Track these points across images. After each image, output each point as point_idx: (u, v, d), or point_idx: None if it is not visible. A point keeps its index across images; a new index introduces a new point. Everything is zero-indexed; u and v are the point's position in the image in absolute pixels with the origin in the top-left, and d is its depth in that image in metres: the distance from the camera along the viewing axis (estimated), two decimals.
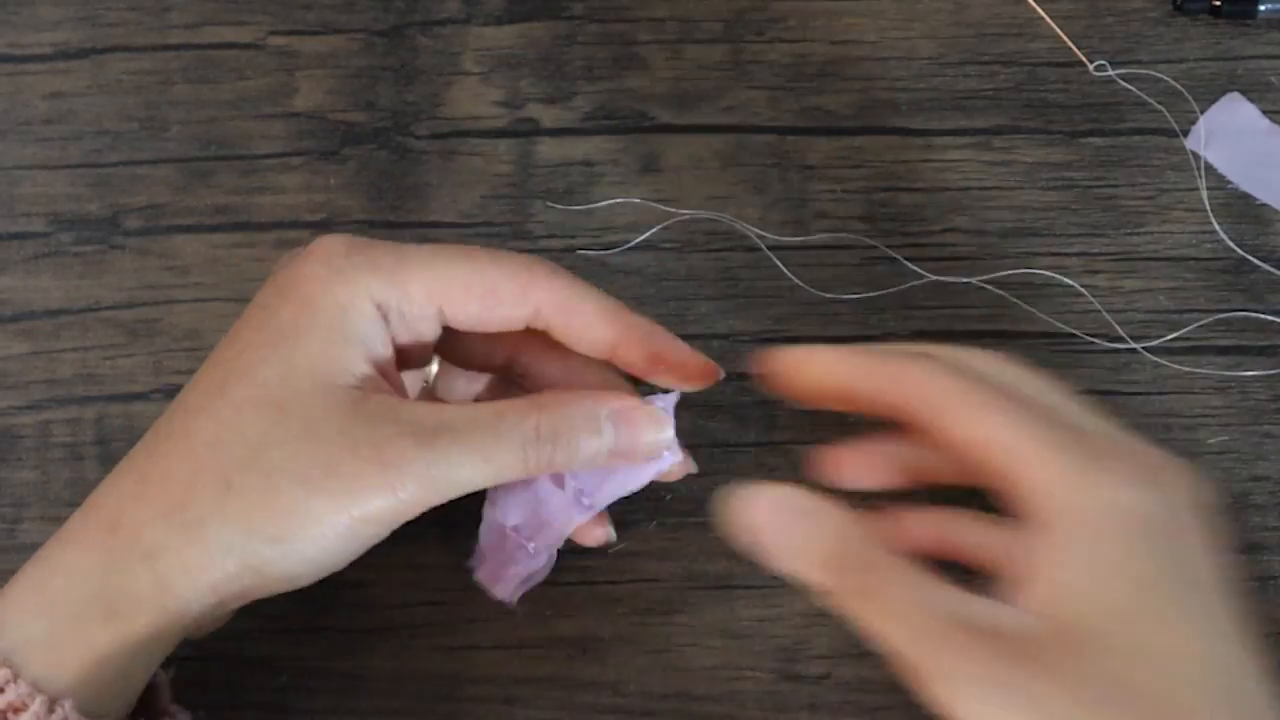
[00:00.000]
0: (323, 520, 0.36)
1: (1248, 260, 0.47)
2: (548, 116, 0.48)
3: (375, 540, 0.37)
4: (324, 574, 0.37)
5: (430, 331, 0.39)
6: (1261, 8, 0.48)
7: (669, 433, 0.39)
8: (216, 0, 0.49)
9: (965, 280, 0.47)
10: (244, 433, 0.36)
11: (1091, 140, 0.48)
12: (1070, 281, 0.47)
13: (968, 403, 0.35)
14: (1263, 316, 0.47)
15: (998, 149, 0.48)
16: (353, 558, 0.37)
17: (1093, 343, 0.47)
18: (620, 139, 0.48)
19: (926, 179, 0.48)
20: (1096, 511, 0.34)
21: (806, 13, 0.49)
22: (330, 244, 0.38)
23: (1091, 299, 0.47)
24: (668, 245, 0.48)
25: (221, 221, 0.48)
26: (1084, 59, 0.48)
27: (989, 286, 0.47)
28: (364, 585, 0.44)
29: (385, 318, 0.38)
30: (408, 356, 0.40)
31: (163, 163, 0.48)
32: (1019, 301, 0.47)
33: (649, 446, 0.39)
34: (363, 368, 0.37)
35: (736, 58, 0.49)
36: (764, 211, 0.48)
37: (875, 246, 0.47)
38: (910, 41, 0.49)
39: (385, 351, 0.38)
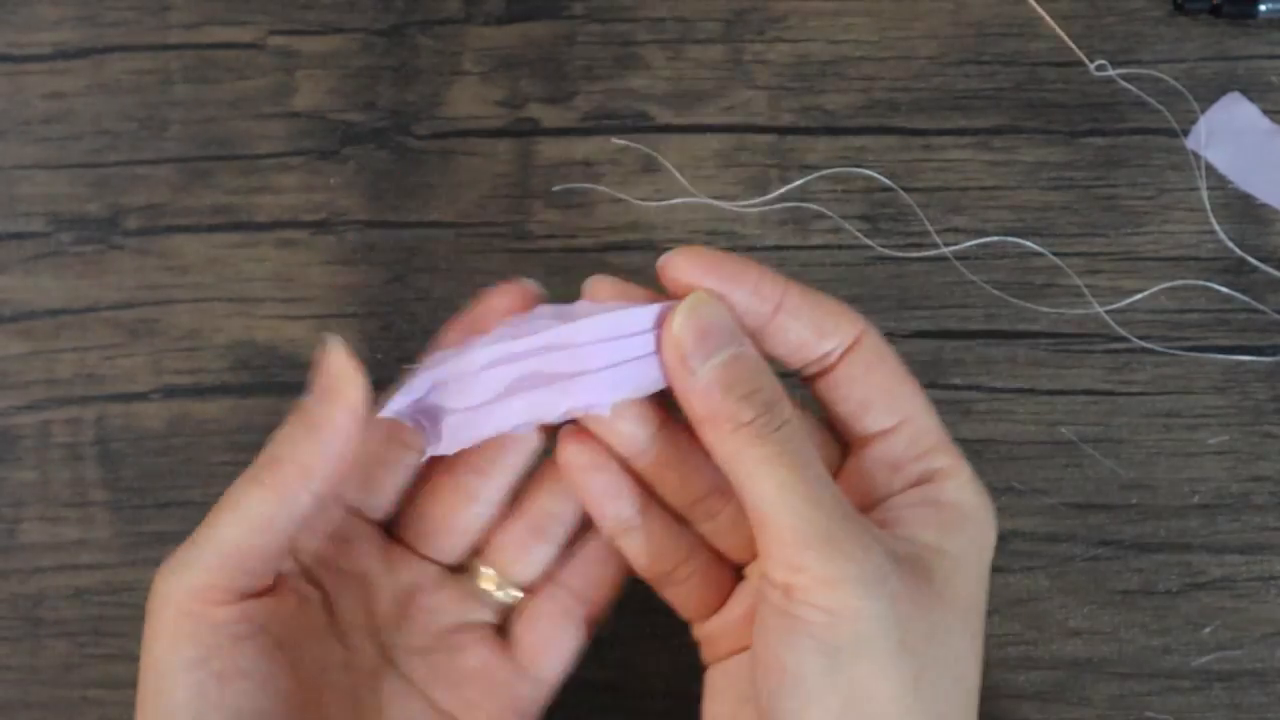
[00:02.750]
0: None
1: (1247, 260, 0.47)
2: (548, 116, 0.48)
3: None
4: None
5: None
6: (1261, 8, 0.48)
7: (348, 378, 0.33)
8: (216, 0, 0.49)
9: (965, 280, 0.47)
10: None
11: (1091, 140, 0.48)
12: (1071, 281, 0.47)
13: (897, 370, 0.35)
14: (1263, 316, 0.47)
15: (998, 149, 0.48)
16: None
17: (1093, 342, 0.47)
18: (620, 139, 0.48)
19: (926, 179, 0.48)
20: (987, 526, 0.35)
21: (806, 13, 0.49)
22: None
23: (1091, 299, 0.47)
24: (669, 245, 0.47)
25: (221, 221, 0.48)
26: (1084, 59, 0.48)
27: (988, 287, 0.47)
28: None
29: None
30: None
31: (163, 163, 0.48)
32: (1019, 301, 0.47)
33: (347, 402, 0.34)
34: None
35: (736, 58, 0.49)
36: (764, 211, 0.48)
37: (872, 247, 0.47)
38: (910, 41, 0.49)
39: None
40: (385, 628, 0.37)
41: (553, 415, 0.35)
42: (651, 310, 0.35)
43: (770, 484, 0.32)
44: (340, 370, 0.33)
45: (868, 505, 0.35)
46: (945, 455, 0.35)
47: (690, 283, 0.34)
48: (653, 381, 0.35)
